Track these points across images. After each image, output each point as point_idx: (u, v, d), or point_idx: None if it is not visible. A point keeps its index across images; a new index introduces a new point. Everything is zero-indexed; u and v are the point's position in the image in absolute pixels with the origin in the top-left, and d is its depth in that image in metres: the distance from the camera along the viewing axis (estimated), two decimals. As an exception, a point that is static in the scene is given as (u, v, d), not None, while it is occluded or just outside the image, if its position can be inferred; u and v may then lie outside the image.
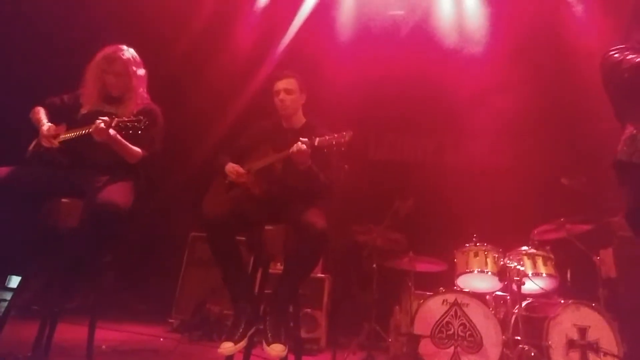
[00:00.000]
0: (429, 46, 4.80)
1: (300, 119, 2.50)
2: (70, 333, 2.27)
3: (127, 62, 2.32)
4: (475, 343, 2.83)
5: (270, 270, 2.59)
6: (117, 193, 2.07)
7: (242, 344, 1.93)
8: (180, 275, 4.13)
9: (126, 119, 2.05)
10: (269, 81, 2.58)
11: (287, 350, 1.90)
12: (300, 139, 2.09)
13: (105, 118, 2.07)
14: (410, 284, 3.35)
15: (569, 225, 3.12)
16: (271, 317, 1.97)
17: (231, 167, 2.33)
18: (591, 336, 2.75)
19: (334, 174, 2.35)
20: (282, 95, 2.42)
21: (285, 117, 2.48)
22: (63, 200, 2.11)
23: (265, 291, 2.31)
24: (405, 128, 5.60)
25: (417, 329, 2.95)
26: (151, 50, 2.66)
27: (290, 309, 2.16)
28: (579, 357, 2.72)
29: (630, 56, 1.59)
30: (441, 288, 3.11)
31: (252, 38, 4.89)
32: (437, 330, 2.93)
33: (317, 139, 2.08)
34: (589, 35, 4.26)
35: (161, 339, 3.35)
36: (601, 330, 2.76)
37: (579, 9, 4.39)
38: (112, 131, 2.08)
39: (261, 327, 1.97)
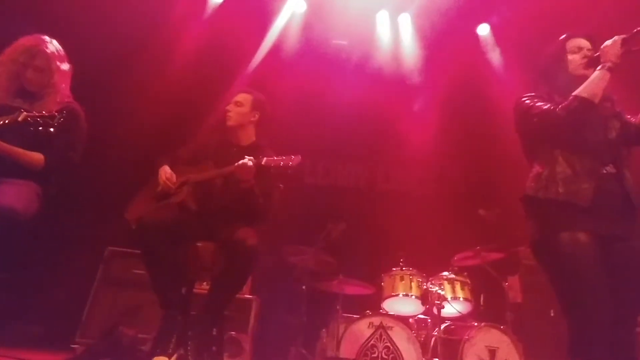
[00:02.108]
0: (367, 78, 5.05)
1: (249, 137, 2.47)
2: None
3: (51, 57, 2.12)
4: (398, 366, 2.91)
5: (195, 290, 2.46)
6: (16, 197, 1.85)
7: (174, 359, 1.80)
8: (90, 294, 3.74)
9: (36, 114, 1.84)
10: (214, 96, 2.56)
11: None
12: (247, 156, 2.07)
13: None
14: (338, 306, 3.37)
15: (484, 253, 3.39)
16: (194, 341, 1.87)
17: (164, 171, 2.21)
18: (499, 357, 2.96)
19: (272, 198, 2.34)
20: (230, 106, 2.41)
21: (231, 130, 2.43)
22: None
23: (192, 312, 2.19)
24: (339, 155, 5.78)
25: (343, 353, 2.96)
26: (77, 45, 2.45)
27: (214, 332, 2.06)
28: (489, 378, 2.91)
29: (538, 103, 1.82)
30: (368, 311, 3.17)
31: (195, 49, 4.77)
32: (362, 353, 2.96)
33: (265, 158, 2.07)
34: (504, 86, 4.81)
35: (60, 368, 2.98)
36: (508, 352, 2.98)
37: (497, 63, 4.96)
38: None
39: (182, 352, 1.86)
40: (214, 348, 2.04)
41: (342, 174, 5.88)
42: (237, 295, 2.49)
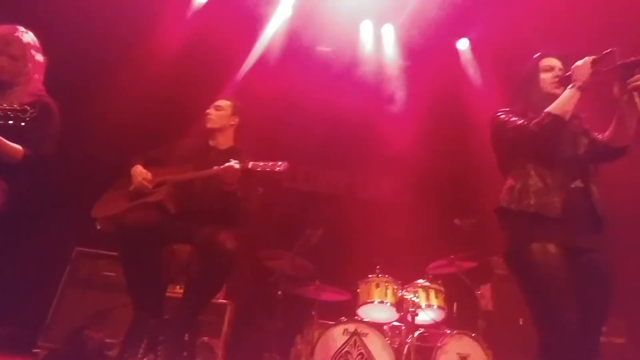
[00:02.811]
0: (349, 86, 5.10)
1: (227, 141, 2.49)
2: None
3: (27, 46, 2.06)
4: (371, 372, 2.92)
5: (168, 294, 2.41)
6: None
7: None
8: (55, 295, 3.59)
9: (7, 107, 1.75)
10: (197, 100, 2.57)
11: None
12: (232, 159, 2.06)
13: None
14: (313, 312, 3.36)
15: (458, 261, 3.46)
16: (165, 346, 1.83)
17: (139, 170, 2.17)
18: (471, 364, 3.02)
19: (253, 202, 2.33)
20: (210, 109, 2.45)
21: (210, 133, 2.44)
22: None
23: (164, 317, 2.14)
24: (320, 161, 5.80)
25: (317, 359, 2.95)
26: (57, 40, 2.39)
27: (186, 337, 2.02)
28: (459, 385, 2.96)
29: (513, 119, 1.89)
30: (343, 317, 3.18)
31: (178, 50, 4.70)
32: (336, 360, 2.97)
33: (251, 162, 2.07)
34: (482, 99, 4.97)
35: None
36: (479, 359, 3.04)
37: (475, 77, 5.12)
38: None
39: (151, 357, 1.81)
40: (185, 353, 2.00)
41: (322, 180, 5.91)
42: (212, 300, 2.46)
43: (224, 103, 2.49)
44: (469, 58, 5.06)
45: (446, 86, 5.02)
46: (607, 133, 1.84)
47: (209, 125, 2.44)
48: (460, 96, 5.09)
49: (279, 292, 3.60)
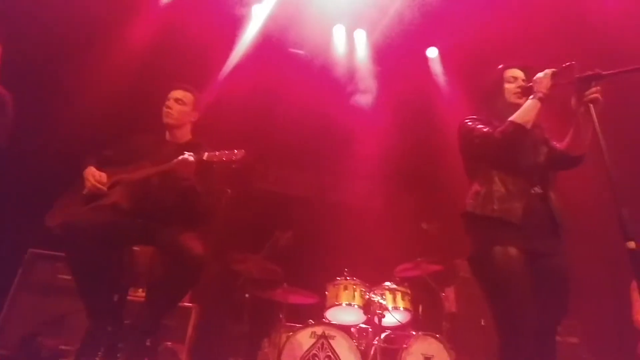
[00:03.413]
0: (322, 89, 5.12)
1: (185, 135, 2.37)
2: None
3: None
4: (338, 375, 2.92)
5: (129, 297, 2.30)
6: None
7: None
8: (6, 300, 3.37)
9: None
10: (157, 91, 2.43)
11: None
12: (186, 152, 1.97)
13: None
14: (281, 315, 3.33)
15: (425, 264, 3.53)
16: (124, 352, 1.74)
17: (91, 172, 2.04)
18: (434, 365, 3.08)
19: (216, 198, 2.26)
20: (170, 103, 2.29)
21: (168, 127, 2.32)
22: None
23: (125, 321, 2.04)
24: (291, 163, 5.78)
25: (284, 363, 2.93)
26: (18, 30, 2.26)
27: (148, 343, 1.94)
28: (424, 385, 3.01)
29: (479, 126, 1.95)
30: (310, 320, 3.16)
31: (144, 45, 4.55)
32: (303, 363, 2.95)
33: (206, 153, 1.98)
34: (450, 106, 5.12)
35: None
36: (442, 359, 3.11)
37: (444, 85, 5.27)
38: None
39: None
40: (146, 359, 1.92)
41: (292, 182, 5.88)
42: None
43: (185, 97, 2.33)
44: (438, 66, 5.20)
45: (416, 92, 5.13)
46: (564, 142, 1.94)
47: (169, 121, 2.29)
48: (429, 103, 5.22)
49: (246, 296, 3.54)
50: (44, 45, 3.95)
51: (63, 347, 3.15)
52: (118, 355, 1.74)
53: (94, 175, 2.03)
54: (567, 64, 1.77)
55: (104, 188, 2.02)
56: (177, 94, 2.33)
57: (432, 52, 5.16)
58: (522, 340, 1.64)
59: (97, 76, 4.23)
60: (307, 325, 3.10)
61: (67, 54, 4.20)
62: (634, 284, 2.95)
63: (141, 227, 2.01)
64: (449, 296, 3.92)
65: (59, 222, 1.95)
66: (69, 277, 3.38)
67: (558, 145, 1.97)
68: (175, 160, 1.93)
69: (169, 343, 3.41)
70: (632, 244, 1.36)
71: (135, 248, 2.02)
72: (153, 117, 2.52)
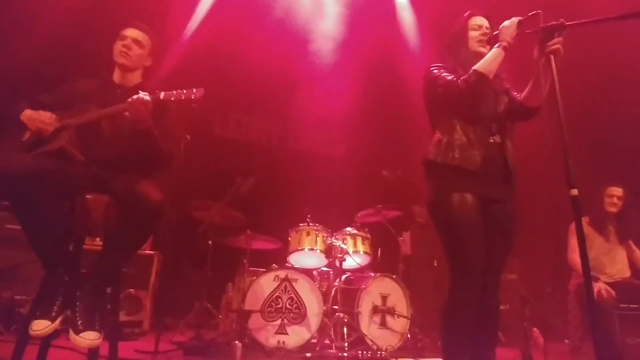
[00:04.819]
0: (285, 36, 4.87)
1: (135, 79, 2.17)
2: None
3: None
4: (300, 314, 3.07)
5: (86, 246, 2.23)
6: None
7: (58, 322, 1.63)
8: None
9: None
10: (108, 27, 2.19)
11: (101, 337, 1.67)
12: (141, 91, 1.82)
13: None
14: (245, 261, 3.40)
15: (384, 211, 3.67)
16: (83, 301, 1.70)
17: (32, 114, 1.86)
18: (390, 302, 3.31)
19: (174, 141, 2.15)
20: (128, 42, 2.08)
21: (121, 68, 2.13)
22: None
23: (81, 271, 1.98)
24: (252, 110, 5.62)
25: (248, 305, 3.03)
26: None
27: (109, 290, 1.91)
28: (379, 320, 3.25)
29: (444, 74, 1.94)
30: (274, 265, 3.25)
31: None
32: (267, 305, 3.06)
33: (163, 92, 1.84)
34: (414, 56, 5.07)
35: None
36: (398, 297, 3.34)
37: (411, 32, 5.17)
38: None
39: (69, 313, 1.69)
40: (108, 306, 1.90)
41: (254, 130, 5.76)
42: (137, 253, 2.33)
43: (144, 39, 2.14)
44: (406, 12, 5.07)
45: (383, 40, 5.01)
46: (523, 93, 1.99)
47: (124, 62, 2.09)
48: (397, 50, 5.14)
49: (209, 242, 3.55)
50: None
51: (18, 297, 3.07)
52: (77, 303, 1.70)
53: (40, 115, 1.84)
54: (533, 12, 1.76)
55: (51, 129, 1.85)
56: (136, 34, 2.12)
57: (401, -4, 5.01)
58: (472, 278, 1.78)
59: (32, 13, 3.76)
60: (270, 270, 3.18)
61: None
62: (572, 227, 3.23)
63: (93, 174, 1.89)
64: (406, 240, 4.14)
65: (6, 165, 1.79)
66: (16, 227, 3.24)
67: (518, 96, 2.01)
68: (129, 100, 1.79)
69: (132, 290, 3.42)
70: (574, 191, 1.46)
71: (89, 196, 1.91)
72: (98, 58, 2.29)
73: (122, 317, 3.20)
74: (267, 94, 5.17)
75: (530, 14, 1.77)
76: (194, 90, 1.86)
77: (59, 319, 1.63)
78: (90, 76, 2.17)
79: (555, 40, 1.66)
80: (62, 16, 3.90)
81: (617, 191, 3.24)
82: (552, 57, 1.64)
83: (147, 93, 1.80)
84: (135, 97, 1.78)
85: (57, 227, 1.77)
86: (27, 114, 1.86)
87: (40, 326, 1.57)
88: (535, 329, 3.92)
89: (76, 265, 1.94)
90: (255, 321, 3.00)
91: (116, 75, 2.15)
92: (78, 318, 1.64)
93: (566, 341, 3.66)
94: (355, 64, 5.02)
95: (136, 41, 2.11)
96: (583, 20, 1.63)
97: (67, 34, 3.99)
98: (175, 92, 1.85)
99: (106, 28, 2.38)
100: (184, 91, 1.85)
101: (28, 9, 3.82)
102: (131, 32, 2.12)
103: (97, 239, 3.01)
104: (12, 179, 1.64)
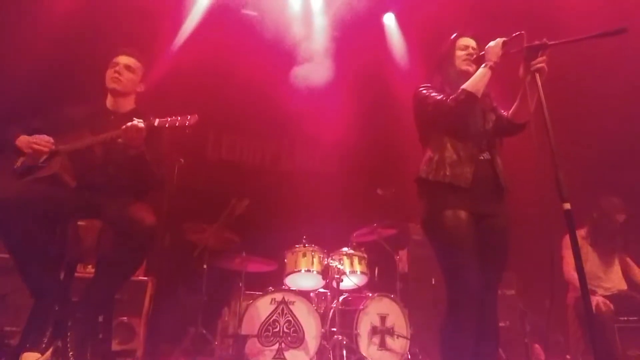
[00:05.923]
0: (276, 54, 4.95)
1: (128, 104, 2.21)
2: None
3: None
4: (298, 338, 3.02)
5: (77, 274, 2.20)
6: None
7: (49, 354, 1.59)
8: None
9: None
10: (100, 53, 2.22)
11: None
12: (135, 118, 1.84)
13: None
14: (240, 284, 3.35)
15: (380, 229, 3.66)
16: (74, 331, 1.67)
17: (28, 138, 1.87)
18: (389, 322, 3.27)
19: (166, 166, 2.16)
20: (120, 68, 2.12)
21: (114, 94, 2.15)
22: None
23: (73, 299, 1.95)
24: (245, 131, 5.65)
25: (245, 330, 2.97)
26: None
27: (101, 319, 1.87)
28: (379, 341, 3.20)
29: (433, 94, 1.99)
30: (270, 287, 3.21)
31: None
32: (264, 329, 3.01)
33: (157, 119, 1.87)
34: (404, 75, 5.17)
35: None
36: (396, 317, 3.30)
37: (400, 51, 5.29)
38: None
39: (59, 344, 1.65)
40: (100, 335, 1.86)
41: (247, 150, 5.78)
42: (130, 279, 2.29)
43: (136, 65, 2.18)
44: (395, 33, 5.20)
45: (373, 58, 5.11)
46: (511, 110, 2.03)
47: (116, 87, 2.12)
48: (387, 69, 5.24)
49: (204, 266, 3.51)
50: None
51: (8, 328, 2.99)
52: (68, 333, 1.66)
53: (35, 138, 1.85)
54: (517, 33, 1.82)
55: (47, 150, 1.85)
56: (127, 60, 2.17)
57: (389, 19, 5.14)
58: (469, 295, 1.77)
59: (25, 40, 3.81)
60: (266, 292, 3.14)
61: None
62: (565, 241, 3.24)
63: (86, 199, 1.89)
64: (402, 258, 4.12)
65: None
66: (5, 255, 3.18)
67: (505, 113, 2.06)
68: (123, 127, 1.81)
69: (125, 318, 3.34)
70: (567, 205, 1.48)
71: (81, 223, 1.89)
72: (89, 85, 2.32)
73: (115, 346, 3.11)
74: (259, 115, 5.21)
75: (514, 34, 1.83)
76: (188, 117, 1.88)
77: (49, 350, 1.59)
78: (82, 101, 2.20)
79: (540, 58, 1.72)
80: (51, 42, 3.94)
81: (619, 201, 3.28)
82: (537, 74, 1.69)
83: (141, 120, 1.83)
84: (129, 124, 1.80)
85: (48, 255, 1.75)
86: (23, 139, 1.87)
87: (30, 358, 1.54)
88: (536, 345, 3.87)
89: (67, 293, 1.91)
90: (252, 346, 2.93)
91: (109, 102, 2.17)
92: (69, 349, 1.61)
93: (568, 357, 3.61)
94: (346, 83, 5.10)
95: (127, 67, 2.15)
96: (565, 40, 1.69)
97: (57, 58, 4.02)
98: (169, 118, 1.88)
99: (96, 53, 2.42)
100: (178, 117, 1.88)
101: (17, 38, 3.86)
102: (122, 59, 2.16)
103: (89, 267, 2.97)
104: (2, 206, 1.63)
